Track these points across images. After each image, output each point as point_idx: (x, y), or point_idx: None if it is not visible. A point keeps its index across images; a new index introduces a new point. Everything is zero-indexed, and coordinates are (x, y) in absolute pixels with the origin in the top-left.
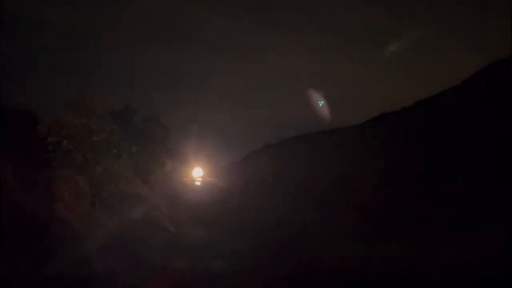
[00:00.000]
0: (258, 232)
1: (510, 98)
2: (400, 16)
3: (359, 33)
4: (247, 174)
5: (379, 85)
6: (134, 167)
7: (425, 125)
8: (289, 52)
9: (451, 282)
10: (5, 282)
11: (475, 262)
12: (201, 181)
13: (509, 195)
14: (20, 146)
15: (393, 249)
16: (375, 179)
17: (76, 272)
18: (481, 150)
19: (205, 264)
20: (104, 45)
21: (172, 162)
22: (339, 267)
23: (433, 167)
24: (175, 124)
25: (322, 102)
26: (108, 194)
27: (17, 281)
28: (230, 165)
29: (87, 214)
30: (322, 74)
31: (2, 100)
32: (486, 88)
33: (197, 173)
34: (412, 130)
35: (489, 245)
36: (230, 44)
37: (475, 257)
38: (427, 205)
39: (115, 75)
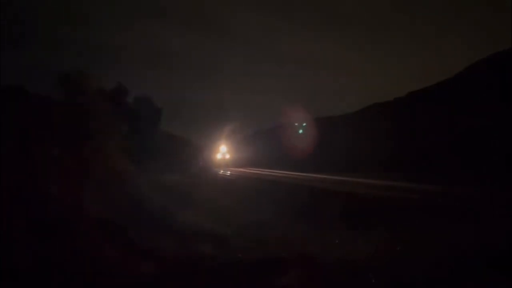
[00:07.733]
0: (246, 216)
1: (502, 91)
2: (399, 8)
3: (359, 24)
4: (237, 156)
5: (374, 75)
6: (124, 147)
7: (418, 116)
8: (289, 39)
9: (439, 272)
10: None
11: (468, 251)
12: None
13: (501, 182)
14: (8, 123)
15: (381, 238)
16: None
17: (64, 253)
18: (473, 140)
19: (191, 248)
20: (98, 22)
21: (164, 143)
22: (328, 256)
23: (425, 156)
24: (168, 105)
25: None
26: (97, 174)
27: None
28: (222, 148)
29: (75, 194)
30: (321, 62)
31: None
32: (479, 80)
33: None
34: (404, 120)
35: (481, 235)
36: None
37: (467, 246)
38: (418, 193)
39: (108, 53)
